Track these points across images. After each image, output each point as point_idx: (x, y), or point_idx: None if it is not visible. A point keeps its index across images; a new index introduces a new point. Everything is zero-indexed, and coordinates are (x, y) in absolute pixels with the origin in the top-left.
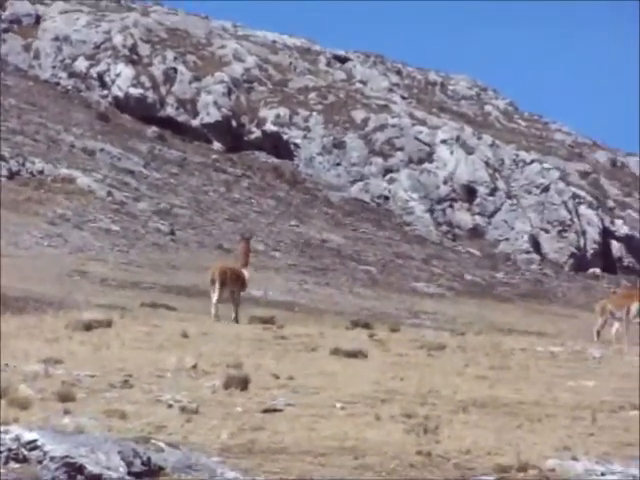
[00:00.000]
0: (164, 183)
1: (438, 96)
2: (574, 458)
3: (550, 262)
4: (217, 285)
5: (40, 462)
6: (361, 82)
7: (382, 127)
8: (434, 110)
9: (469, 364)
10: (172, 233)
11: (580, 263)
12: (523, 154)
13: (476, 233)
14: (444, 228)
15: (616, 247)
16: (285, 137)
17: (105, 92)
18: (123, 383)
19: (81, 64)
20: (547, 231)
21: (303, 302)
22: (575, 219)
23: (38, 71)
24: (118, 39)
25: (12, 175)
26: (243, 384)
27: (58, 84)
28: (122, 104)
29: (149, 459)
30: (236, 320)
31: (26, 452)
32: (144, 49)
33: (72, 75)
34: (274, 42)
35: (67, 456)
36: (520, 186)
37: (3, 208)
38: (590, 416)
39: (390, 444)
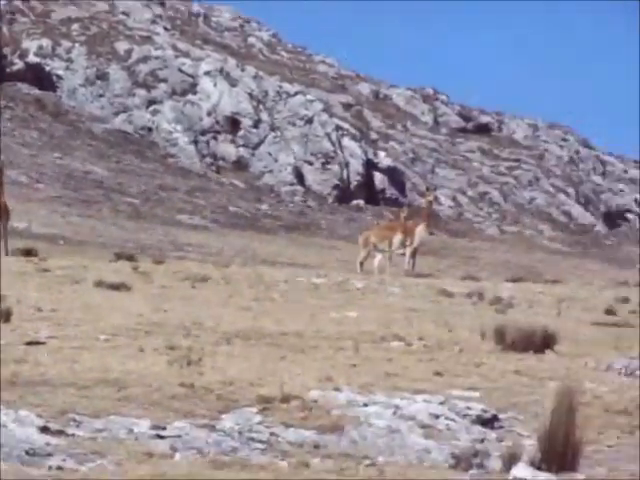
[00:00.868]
0: None
1: (201, 28)
2: (337, 389)
3: (314, 194)
4: None
5: None
6: (124, 14)
7: (145, 59)
8: (197, 42)
9: (233, 295)
10: None
11: (344, 195)
12: (287, 86)
13: (240, 165)
14: (208, 160)
15: (379, 179)
16: (48, 68)
17: None
18: None
19: None
20: (311, 163)
21: (67, 234)
22: (338, 151)
23: None
24: None
25: None
26: (5, 316)
27: None
28: None
29: None
30: (6, 252)
31: None
32: None
33: None
34: None
35: None
36: (284, 118)
37: None
38: (352, 347)
39: (153, 376)
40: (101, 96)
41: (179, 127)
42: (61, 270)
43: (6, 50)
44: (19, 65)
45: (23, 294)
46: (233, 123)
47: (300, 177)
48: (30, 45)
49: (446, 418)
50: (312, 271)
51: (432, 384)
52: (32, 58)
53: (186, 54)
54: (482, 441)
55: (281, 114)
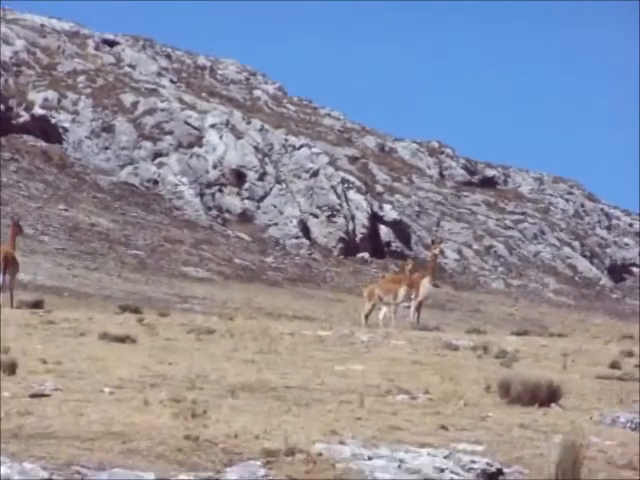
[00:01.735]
0: None
1: (207, 80)
2: (341, 442)
3: (319, 246)
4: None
5: None
6: (130, 66)
7: (151, 111)
8: (203, 94)
9: (238, 348)
10: None
11: (349, 248)
12: (292, 139)
13: (245, 217)
14: (214, 212)
15: (384, 232)
16: (53, 120)
17: None
18: None
19: None
20: (316, 216)
21: (72, 287)
22: (344, 204)
23: None
24: None
25: None
26: (10, 369)
27: None
28: None
29: None
30: (11, 304)
31: None
32: None
33: None
34: (42, 26)
35: None
36: (289, 171)
37: None
38: (357, 400)
39: (158, 428)
40: (107, 148)
41: (185, 180)
42: (66, 322)
43: (12, 102)
44: (25, 117)
45: (28, 346)
46: (239, 176)
47: (306, 230)
48: (36, 97)
49: (451, 472)
50: (317, 324)
51: (437, 438)
52: (38, 110)
53: (192, 107)
54: None
55: (287, 167)
